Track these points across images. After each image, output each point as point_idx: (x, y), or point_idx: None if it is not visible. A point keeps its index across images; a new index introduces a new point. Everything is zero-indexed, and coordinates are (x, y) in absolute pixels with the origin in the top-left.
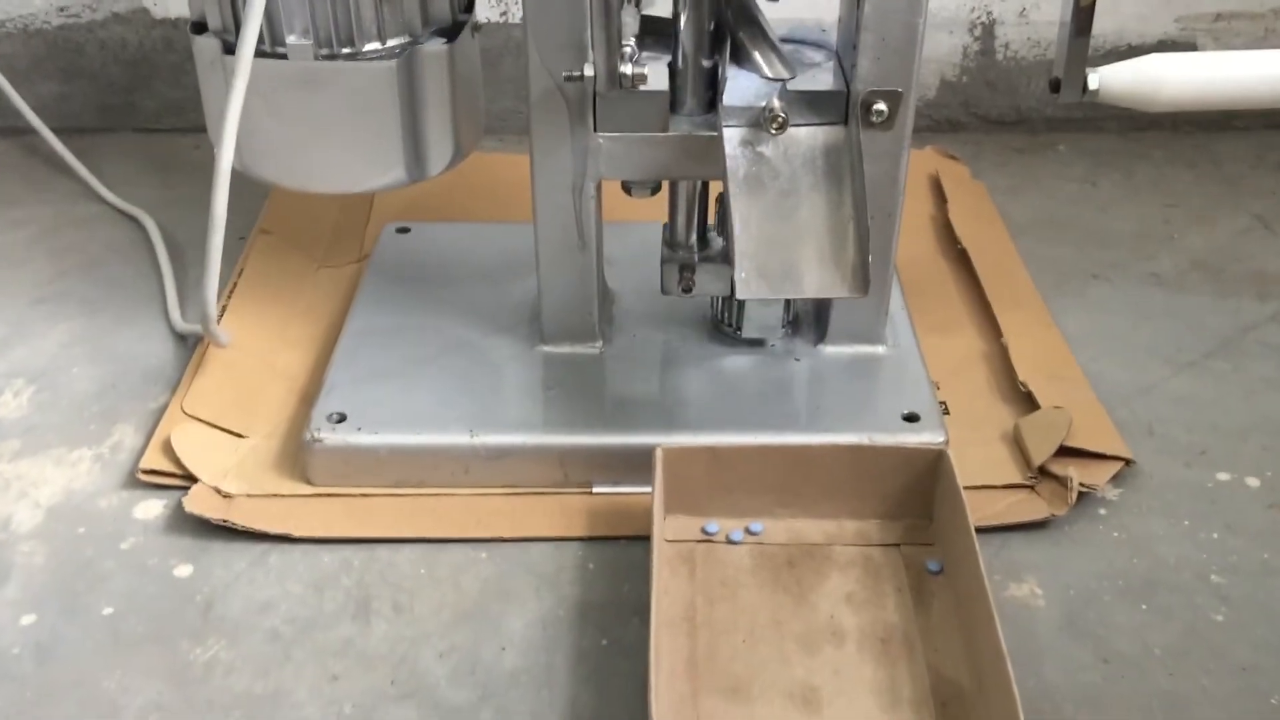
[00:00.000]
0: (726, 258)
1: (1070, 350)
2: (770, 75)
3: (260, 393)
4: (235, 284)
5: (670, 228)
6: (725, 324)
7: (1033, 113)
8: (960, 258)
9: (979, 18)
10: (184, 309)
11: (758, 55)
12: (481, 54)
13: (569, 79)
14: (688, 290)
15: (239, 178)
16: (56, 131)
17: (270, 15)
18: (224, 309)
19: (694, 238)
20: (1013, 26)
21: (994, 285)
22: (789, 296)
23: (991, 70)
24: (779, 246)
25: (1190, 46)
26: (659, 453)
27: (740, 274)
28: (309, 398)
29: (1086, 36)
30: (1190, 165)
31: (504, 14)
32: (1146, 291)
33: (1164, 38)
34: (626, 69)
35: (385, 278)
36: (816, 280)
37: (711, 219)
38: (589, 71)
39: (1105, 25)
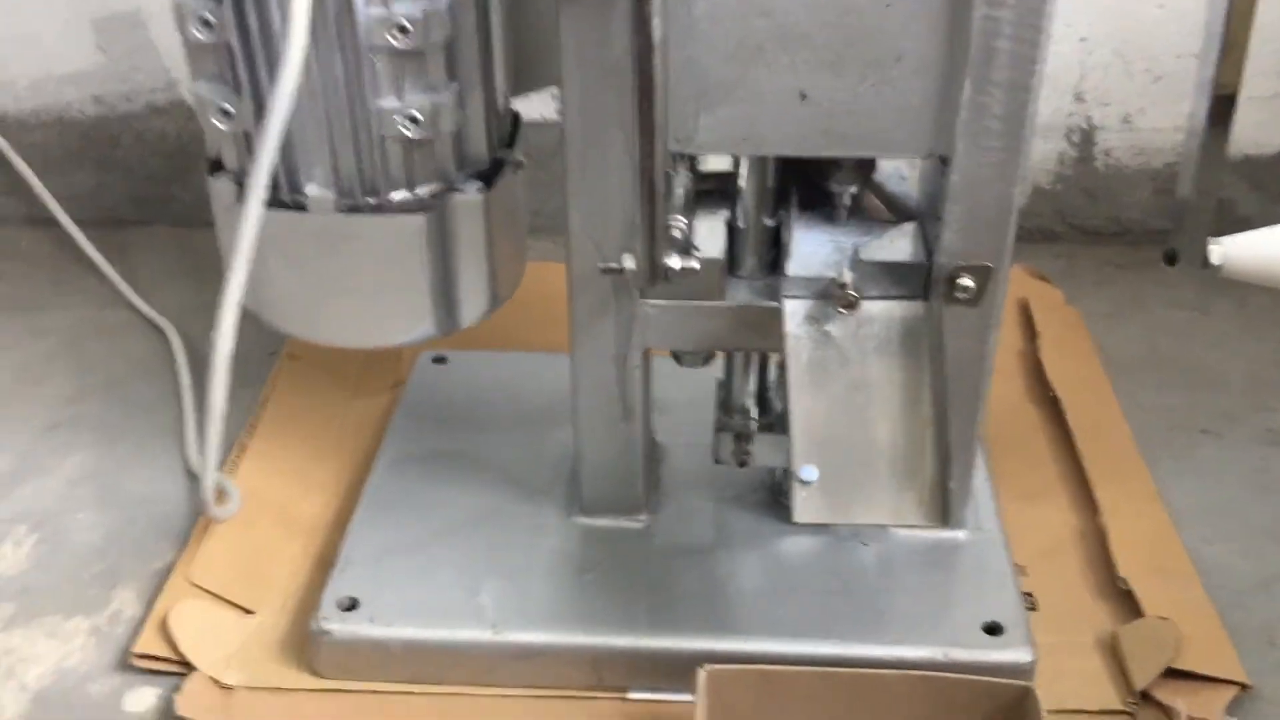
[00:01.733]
0: (788, 427)
1: (1177, 532)
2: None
3: (274, 555)
4: (259, 418)
5: (725, 388)
6: (786, 497)
7: (1135, 224)
8: (1052, 405)
9: (1077, 123)
10: (203, 443)
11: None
12: (534, 151)
13: (606, 271)
14: (743, 464)
15: None
16: (91, 223)
17: (288, 161)
18: (243, 449)
19: (751, 401)
20: (1115, 133)
21: (1090, 445)
22: (856, 522)
23: (1090, 178)
24: (846, 456)
25: None
26: (703, 676)
27: (800, 491)
28: (326, 561)
29: (1211, 201)
30: None
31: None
32: (1264, 453)
33: None
34: (674, 261)
35: (416, 420)
36: (888, 504)
37: (772, 378)
38: (629, 264)
39: None
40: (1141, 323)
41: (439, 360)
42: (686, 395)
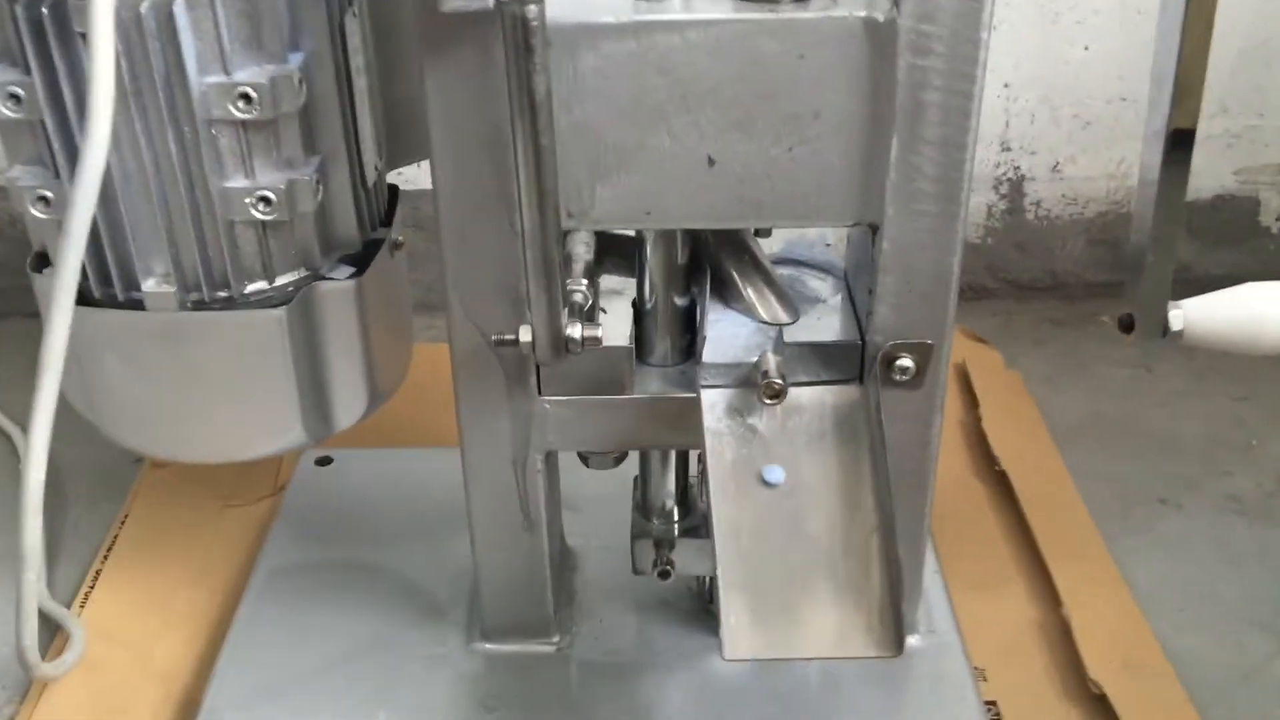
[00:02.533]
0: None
1: (1145, 619)
2: (766, 318)
3: (130, 705)
4: (115, 537)
5: (642, 488)
6: (714, 604)
7: (1069, 276)
8: (999, 480)
9: (1004, 174)
10: (54, 572)
11: (749, 291)
12: (425, 221)
13: (500, 344)
14: (665, 576)
15: None
16: None
17: (120, 253)
18: (96, 576)
19: (671, 502)
20: (1044, 183)
21: (1044, 524)
22: (794, 657)
23: (1021, 230)
24: (780, 575)
25: (1252, 201)
26: None
27: (728, 619)
28: (191, 708)
29: (1170, 259)
30: None
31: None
32: (1229, 523)
33: (1222, 191)
34: (575, 331)
35: (296, 533)
36: (832, 632)
37: (694, 471)
38: (525, 336)
39: None
40: (1084, 384)
41: (323, 461)
42: (600, 489)
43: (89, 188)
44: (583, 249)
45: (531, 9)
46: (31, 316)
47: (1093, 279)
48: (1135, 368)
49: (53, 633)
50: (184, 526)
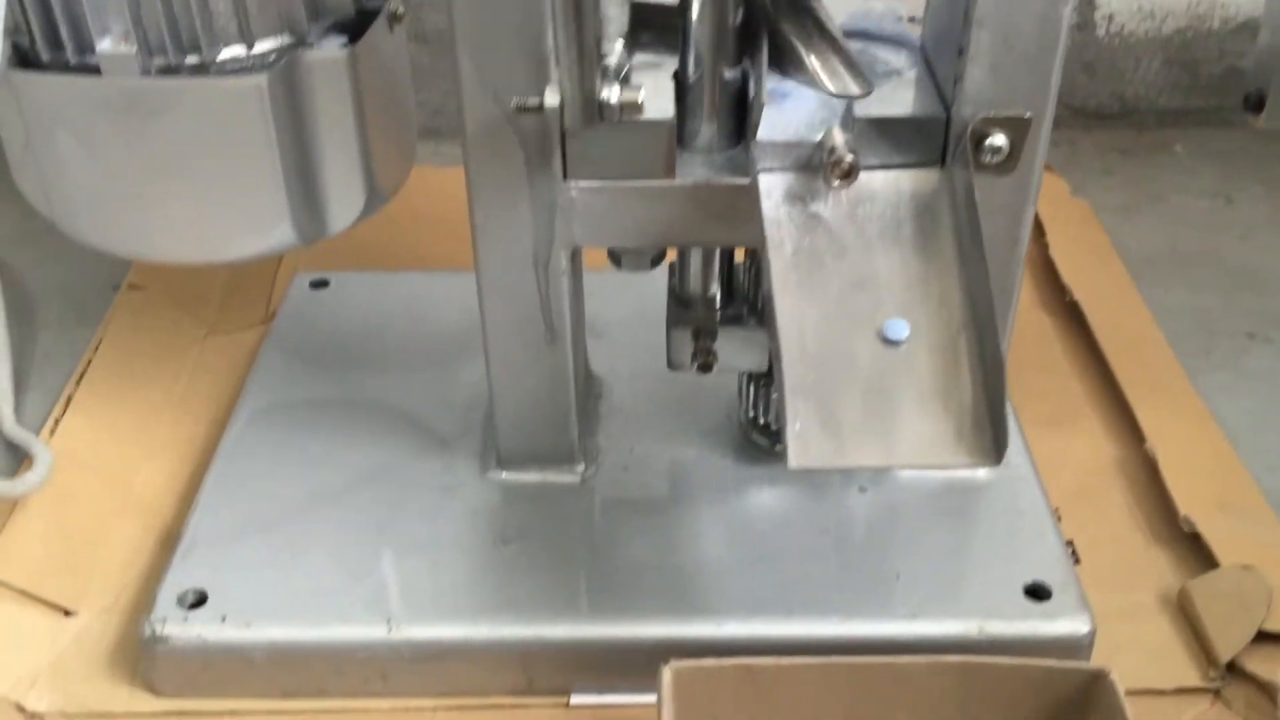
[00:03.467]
0: (761, 317)
1: (1237, 455)
2: (834, 90)
3: (103, 537)
4: (89, 362)
5: (680, 273)
6: (759, 428)
7: (1141, 102)
8: (1070, 312)
9: None
10: (23, 400)
11: (814, 60)
12: (424, 36)
13: (522, 110)
14: (706, 369)
15: None
16: None
17: (72, 8)
18: (67, 402)
19: (714, 288)
20: None
21: (1120, 355)
22: (874, 465)
23: (1090, 49)
24: (851, 377)
25: None
26: (667, 675)
27: (794, 424)
28: (171, 541)
29: None
30: None
31: None
32: None
33: None
34: (611, 93)
35: (289, 356)
36: (915, 439)
37: (740, 258)
38: (552, 100)
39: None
40: (1159, 215)
41: (318, 284)
42: (627, 311)
43: None
44: (617, 10)
45: None
46: None
47: (1166, 105)
48: (1213, 199)
49: (19, 461)
50: (165, 353)
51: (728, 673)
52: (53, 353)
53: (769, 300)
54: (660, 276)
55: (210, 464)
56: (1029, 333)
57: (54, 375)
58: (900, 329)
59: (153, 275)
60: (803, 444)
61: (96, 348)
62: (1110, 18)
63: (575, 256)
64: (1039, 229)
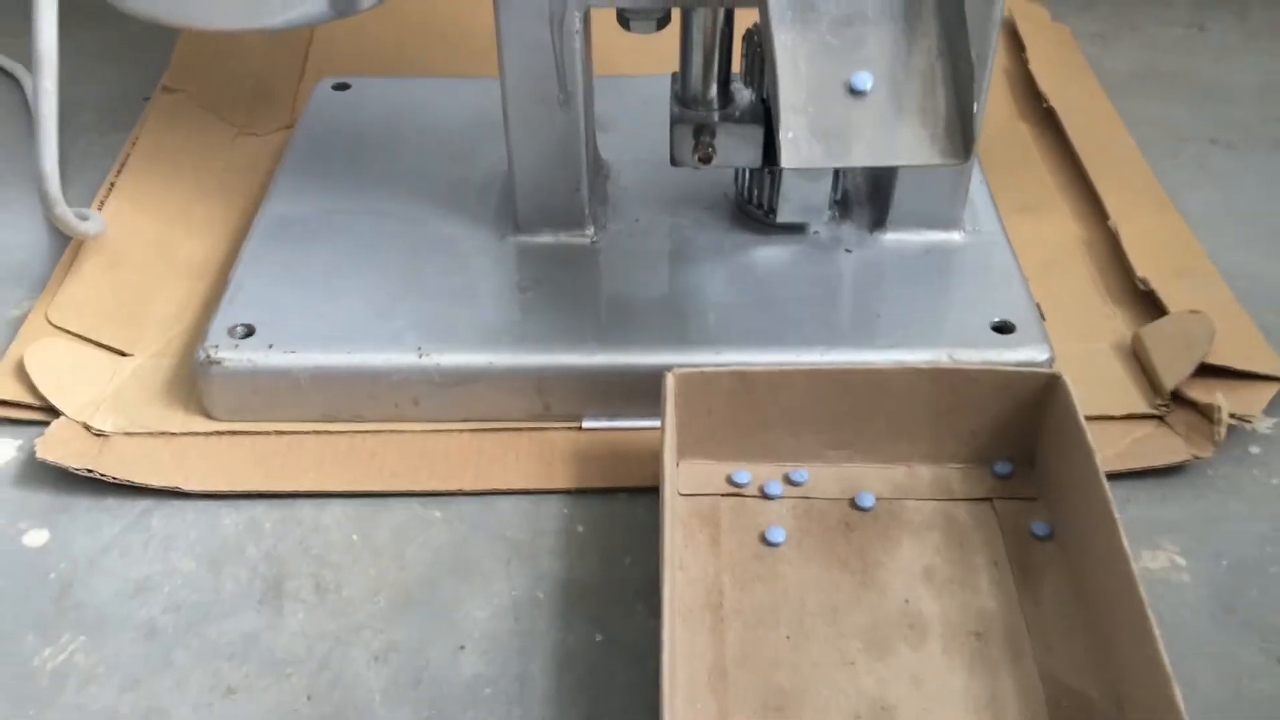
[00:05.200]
0: (756, 116)
1: (1193, 236)
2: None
3: (152, 295)
4: (128, 155)
5: (682, 76)
6: (754, 204)
7: None
8: (1046, 119)
9: None
10: (68, 190)
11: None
12: None
13: None
14: (706, 160)
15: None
16: None
17: None
18: (109, 188)
19: (714, 90)
20: None
21: (1092, 154)
22: (855, 165)
23: None
24: (840, 95)
25: None
26: (670, 379)
27: (786, 133)
28: (214, 301)
29: None
30: None
31: None
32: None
33: None
34: None
35: (316, 148)
36: (895, 141)
37: (737, 66)
38: None
39: None
40: (1136, 41)
41: (340, 87)
42: (630, 112)
43: None
44: None
45: None
46: None
47: None
48: (1188, 27)
49: (65, 240)
50: (198, 148)
51: (723, 377)
52: (90, 153)
53: (766, 36)
54: (657, 86)
55: (250, 229)
56: (1008, 138)
57: (93, 172)
58: (865, 80)
59: (186, 77)
60: (794, 148)
61: (134, 143)
62: None
63: (586, 18)
64: (1019, 46)
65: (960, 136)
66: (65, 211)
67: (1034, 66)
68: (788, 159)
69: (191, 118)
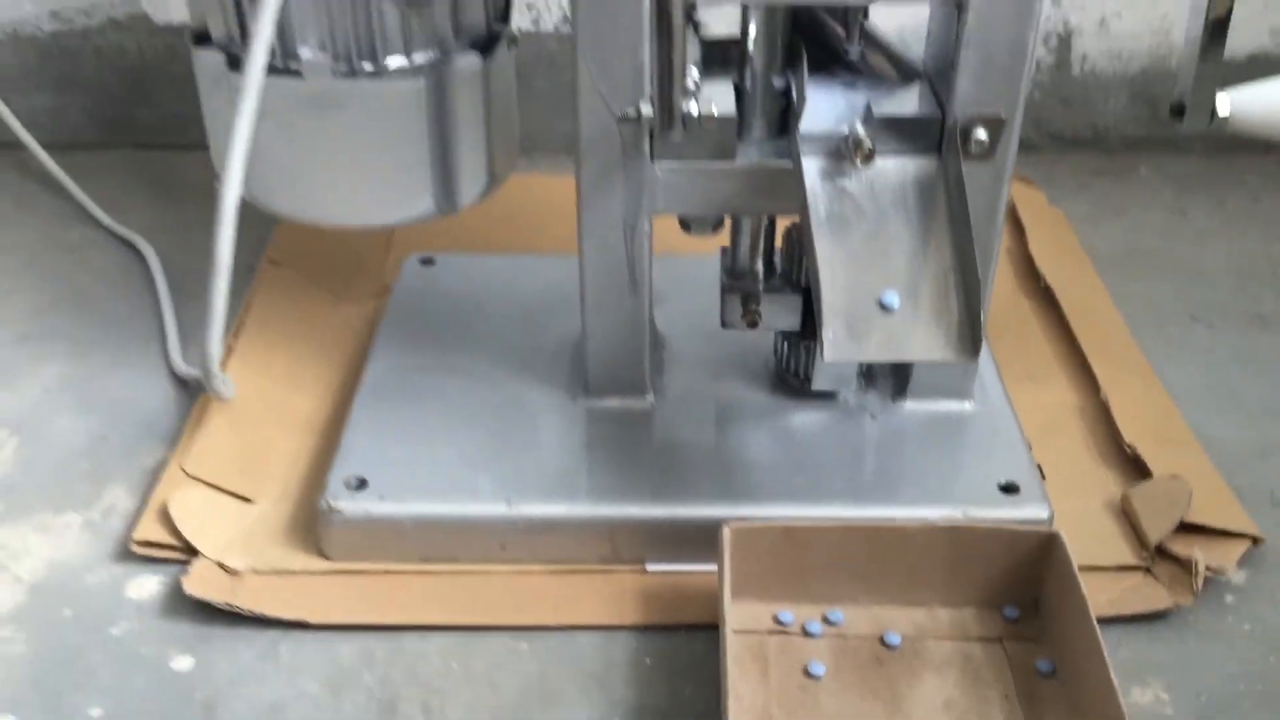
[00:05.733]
0: (795, 287)
1: (1175, 407)
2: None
3: (270, 448)
4: (242, 322)
5: (732, 254)
6: (791, 372)
7: (1110, 131)
8: (1044, 296)
9: (1054, 27)
10: (186, 350)
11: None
12: (544, 63)
13: (624, 120)
14: (753, 324)
15: (246, 204)
16: (48, 147)
17: (281, 26)
18: (229, 351)
19: (759, 263)
20: (1091, 37)
21: (1084, 329)
22: (886, 360)
23: (1067, 86)
24: (872, 305)
25: None
26: (726, 532)
27: (828, 332)
28: (324, 454)
29: (1220, 51)
30: None
31: (535, 21)
32: (1254, 337)
33: (1257, 51)
34: (691, 107)
35: (408, 317)
36: (916, 341)
37: (779, 243)
38: (646, 111)
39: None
40: (1123, 223)
41: (426, 262)
42: (682, 288)
43: None
44: (692, 47)
45: None
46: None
47: (1132, 134)
48: (1169, 212)
49: (192, 396)
50: (302, 315)
51: (771, 531)
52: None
53: (809, 247)
54: (705, 266)
55: (356, 392)
56: (1010, 312)
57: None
58: (893, 299)
59: (288, 252)
60: (834, 346)
61: (247, 310)
62: (1084, 58)
63: (652, 223)
64: (1020, 230)
65: (970, 338)
66: (220, 384)
67: (1033, 248)
68: (829, 355)
69: (295, 287)
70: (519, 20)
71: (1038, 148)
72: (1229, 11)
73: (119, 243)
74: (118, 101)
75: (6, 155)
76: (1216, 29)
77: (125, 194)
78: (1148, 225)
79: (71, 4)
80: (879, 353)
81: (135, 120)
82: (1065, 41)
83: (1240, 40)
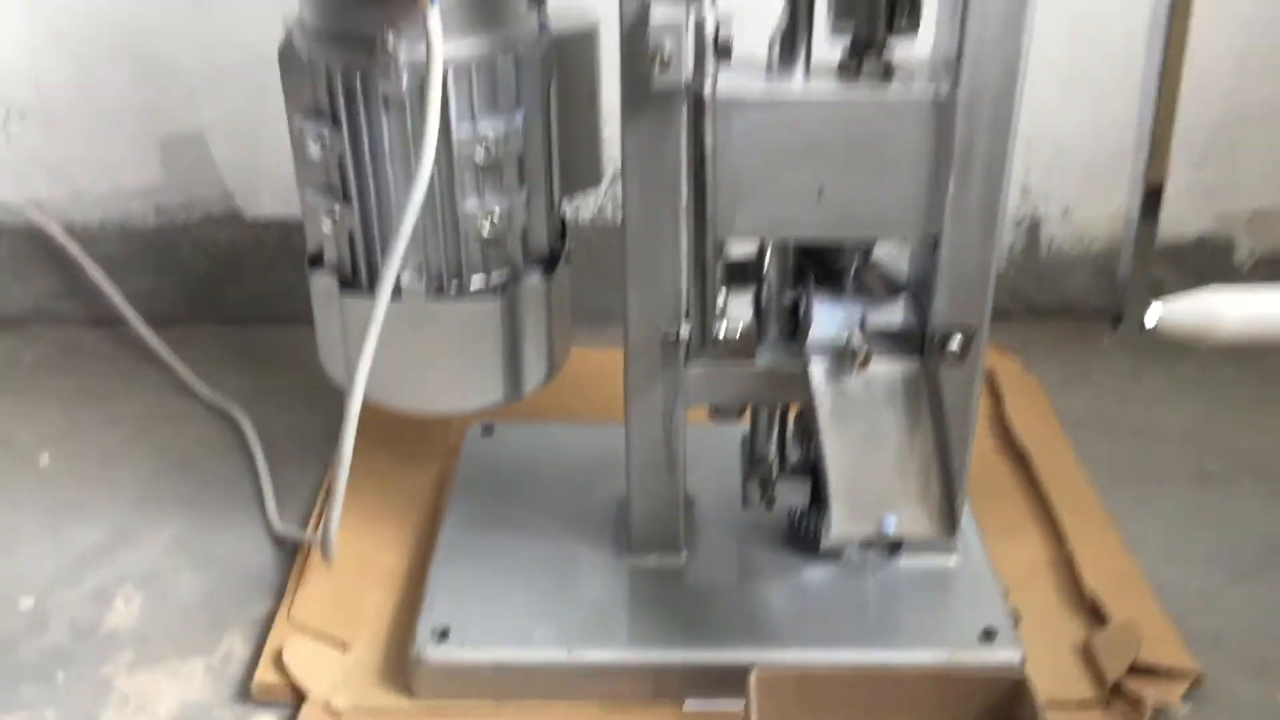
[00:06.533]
0: (805, 470)
1: (1131, 557)
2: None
3: (361, 599)
4: (328, 485)
5: (751, 442)
6: (803, 533)
7: (1078, 302)
8: (1019, 458)
9: (1025, 214)
10: (281, 510)
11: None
12: (583, 248)
13: (667, 341)
14: (771, 505)
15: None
16: (146, 322)
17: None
18: (319, 517)
19: (773, 450)
20: (1056, 223)
21: (1055, 490)
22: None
23: (1038, 265)
24: (871, 485)
25: (1228, 243)
26: (753, 677)
27: (836, 513)
28: (407, 603)
29: (1148, 273)
30: (1233, 361)
31: (599, 209)
32: (1200, 492)
33: (1202, 233)
34: (721, 330)
35: (472, 481)
36: (908, 520)
37: (791, 429)
38: (684, 333)
39: None
40: (1088, 388)
41: (487, 431)
42: (707, 458)
43: (412, 213)
44: (719, 273)
45: (706, 88)
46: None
47: (1097, 305)
48: (1127, 379)
49: (289, 552)
50: (378, 480)
51: (792, 676)
52: (295, 482)
53: (819, 439)
54: (721, 434)
55: (433, 551)
56: (989, 472)
57: (297, 498)
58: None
59: (364, 423)
60: (840, 525)
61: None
62: (1051, 241)
63: (685, 413)
64: (998, 397)
65: (949, 519)
66: (333, 551)
67: (1009, 415)
68: (838, 532)
69: (370, 451)
70: (587, 213)
71: (1016, 316)
72: (1153, 244)
73: (213, 412)
74: (209, 283)
75: (108, 330)
76: (1145, 253)
77: (216, 366)
78: (1108, 389)
79: (173, 200)
80: (875, 534)
81: (224, 299)
82: (1034, 228)
83: (1185, 228)
